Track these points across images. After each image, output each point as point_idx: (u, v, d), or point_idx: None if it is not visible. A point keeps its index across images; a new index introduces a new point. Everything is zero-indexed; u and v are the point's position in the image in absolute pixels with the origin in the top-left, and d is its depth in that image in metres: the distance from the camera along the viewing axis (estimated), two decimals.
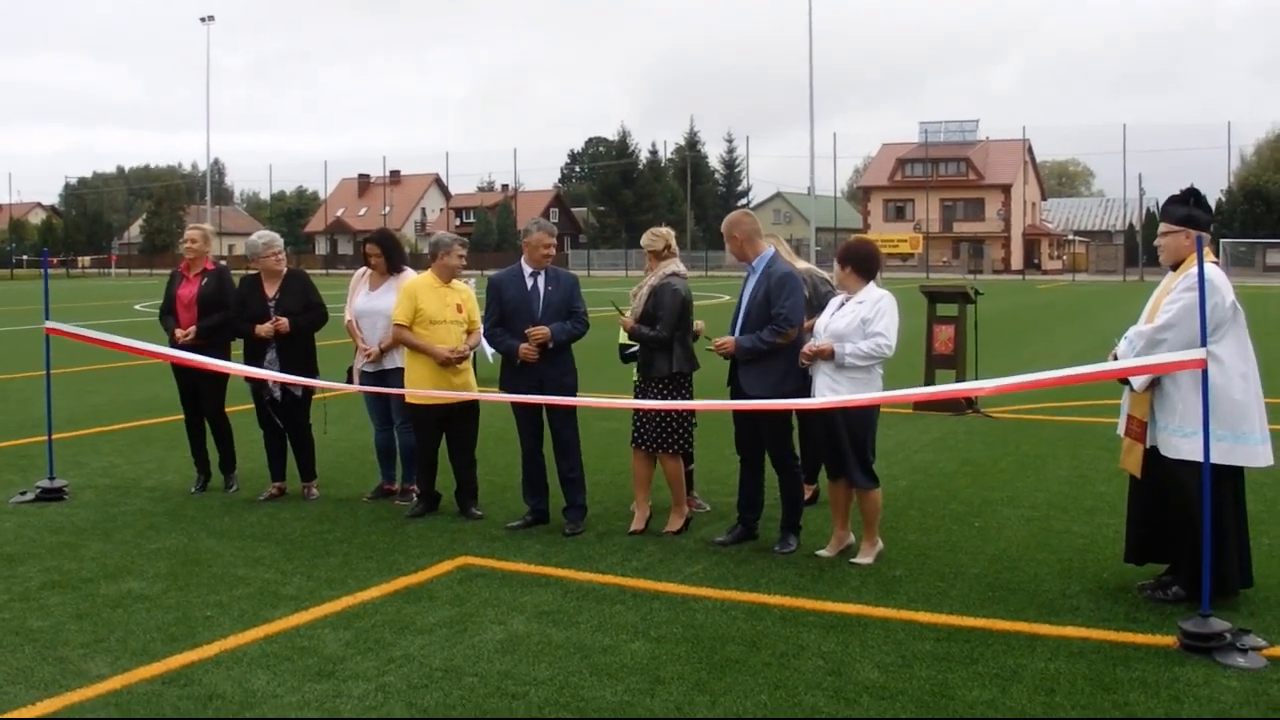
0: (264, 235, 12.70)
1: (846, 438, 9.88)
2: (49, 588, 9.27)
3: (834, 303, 10.20)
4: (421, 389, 11.51)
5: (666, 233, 11.14)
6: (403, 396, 11.83)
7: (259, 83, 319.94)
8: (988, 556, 10.06)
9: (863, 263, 10.10)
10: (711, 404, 11.21)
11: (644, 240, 11.13)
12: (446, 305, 11.59)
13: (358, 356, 12.44)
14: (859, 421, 9.89)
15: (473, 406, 11.81)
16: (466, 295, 11.80)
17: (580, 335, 11.21)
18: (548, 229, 11.32)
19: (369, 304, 12.34)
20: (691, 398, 11.01)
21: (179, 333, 12.73)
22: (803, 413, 10.55)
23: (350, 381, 12.46)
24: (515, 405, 11.20)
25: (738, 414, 10.56)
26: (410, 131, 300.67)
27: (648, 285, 10.94)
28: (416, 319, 11.52)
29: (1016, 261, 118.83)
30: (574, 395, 11.23)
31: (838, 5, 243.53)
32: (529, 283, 11.23)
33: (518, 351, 11.00)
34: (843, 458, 9.95)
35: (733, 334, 10.39)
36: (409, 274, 12.34)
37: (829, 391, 9.80)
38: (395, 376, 12.00)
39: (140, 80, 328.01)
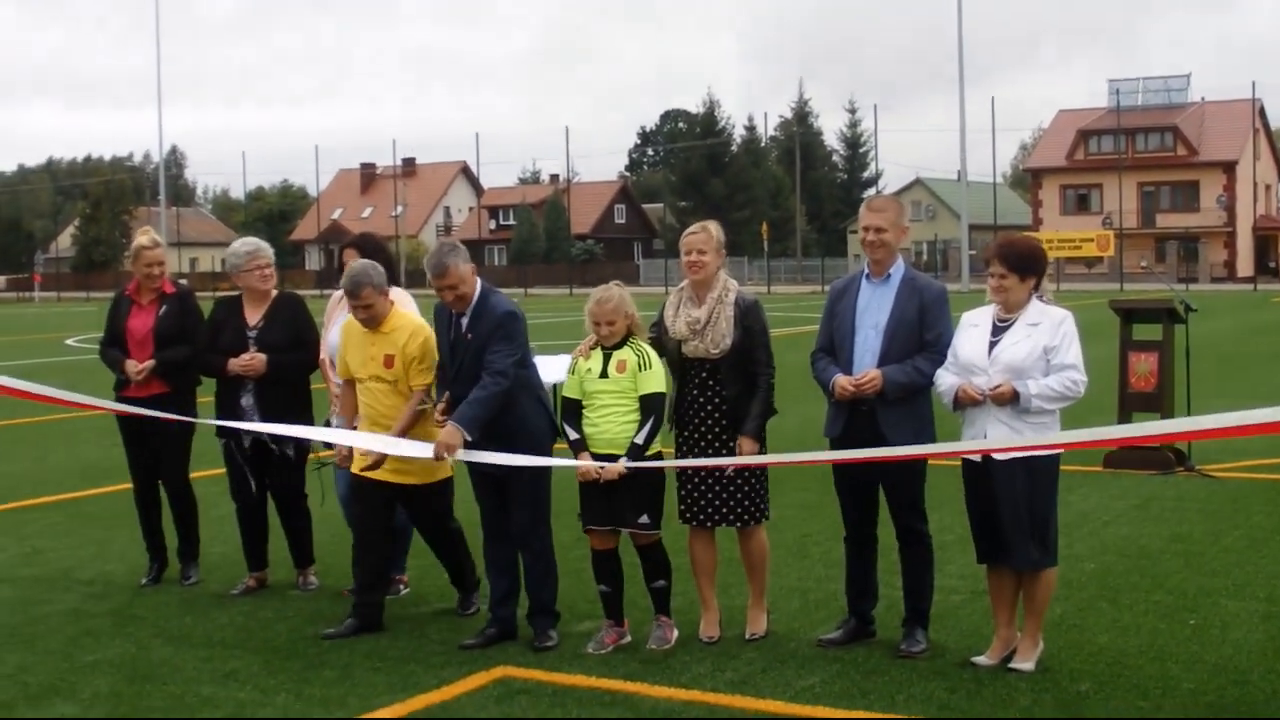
0: (247, 243, 12.55)
1: (1026, 503, 9.73)
2: None
3: (979, 323, 10.05)
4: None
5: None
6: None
7: (235, 43, 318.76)
8: (1208, 666, 9.98)
9: (1036, 263, 9.98)
10: (872, 453, 10.12)
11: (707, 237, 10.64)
12: (370, 359, 11.20)
13: (333, 405, 12.23)
14: (1045, 478, 9.80)
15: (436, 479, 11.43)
16: (408, 340, 11.13)
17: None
18: (435, 268, 10.60)
19: None
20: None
21: (131, 365, 12.37)
22: (972, 478, 10.11)
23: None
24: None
25: (846, 479, 10.52)
26: (438, 107, 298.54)
27: (724, 310, 10.48)
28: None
29: (1245, 266, 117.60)
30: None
31: None
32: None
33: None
34: (1016, 530, 9.78)
35: (851, 367, 10.28)
36: (399, 295, 11.65)
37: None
38: None
39: (81, 43, 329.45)
